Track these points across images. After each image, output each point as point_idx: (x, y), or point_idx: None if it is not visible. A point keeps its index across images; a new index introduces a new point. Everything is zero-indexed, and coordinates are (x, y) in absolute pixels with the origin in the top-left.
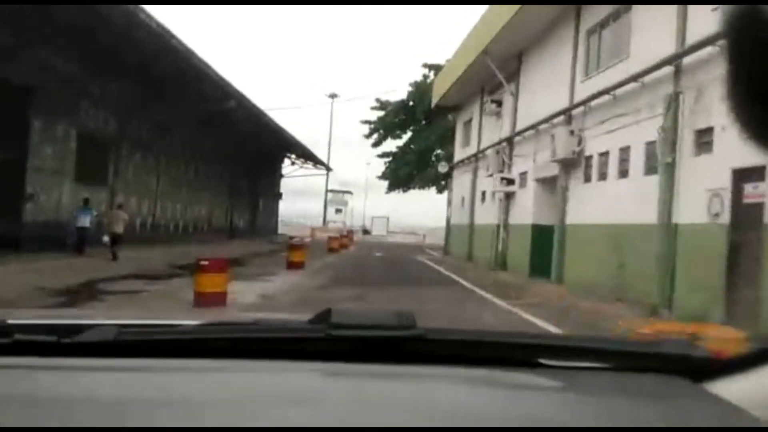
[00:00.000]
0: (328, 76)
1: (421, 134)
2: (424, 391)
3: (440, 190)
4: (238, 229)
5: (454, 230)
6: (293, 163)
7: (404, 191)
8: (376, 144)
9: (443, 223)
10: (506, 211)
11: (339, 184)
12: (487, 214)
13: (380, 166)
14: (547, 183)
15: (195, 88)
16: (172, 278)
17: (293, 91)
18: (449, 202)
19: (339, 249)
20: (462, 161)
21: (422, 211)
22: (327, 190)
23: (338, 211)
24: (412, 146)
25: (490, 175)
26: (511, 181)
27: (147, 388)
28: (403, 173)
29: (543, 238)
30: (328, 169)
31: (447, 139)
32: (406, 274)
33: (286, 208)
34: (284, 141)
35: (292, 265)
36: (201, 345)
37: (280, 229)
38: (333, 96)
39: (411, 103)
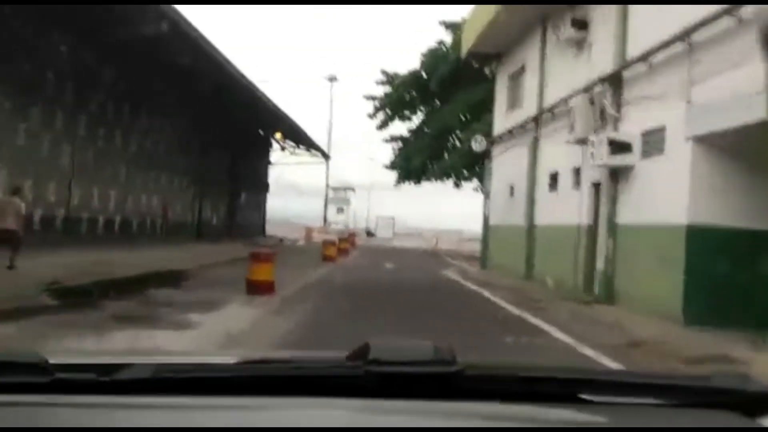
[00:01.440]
0: (328, 60)
1: (437, 113)
2: (464, 428)
3: (458, 183)
4: (211, 226)
5: (495, 233)
6: (283, 149)
7: (416, 183)
8: (381, 126)
9: (455, 226)
10: (612, 201)
11: (340, 184)
12: (564, 208)
13: (387, 153)
14: (737, 138)
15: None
16: None
17: (291, 74)
18: (487, 194)
19: (335, 257)
20: (508, 132)
21: (429, 211)
22: (327, 186)
23: (340, 210)
24: (426, 129)
25: (581, 142)
26: (622, 147)
27: (184, 426)
28: (417, 162)
29: (721, 253)
30: (326, 156)
31: (474, 115)
32: (449, 315)
33: (283, 206)
34: (270, 116)
35: (255, 288)
36: (238, 382)
37: (274, 229)
38: (332, 79)
39: (424, 75)
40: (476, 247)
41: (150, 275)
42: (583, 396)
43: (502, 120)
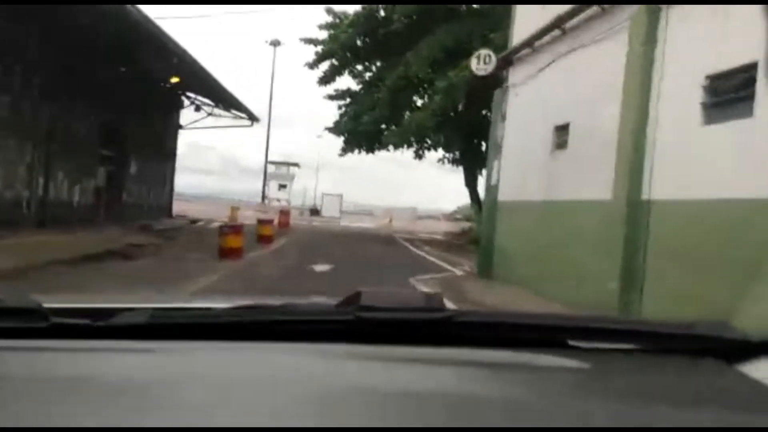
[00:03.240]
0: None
1: (397, 60)
2: (452, 373)
3: (420, 153)
4: (69, 206)
5: (514, 218)
6: (198, 108)
7: (368, 151)
8: (325, 80)
9: (408, 203)
10: None
11: (284, 159)
12: None
13: (331, 113)
14: None
15: None
16: None
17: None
18: (495, 149)
19: (240, 252)
20: (555, 29)
21: (380, 188)
22: (267, 159)
23: (282, 187)
24: (381, 82)
25: None
26: None
27: (178, 370)
28: (369, 122)
29: None
30: (253, 118)
31: (448, 61)
32: None
33: (223, 184)
34: (176, 62)
35: None
36: (232, 328)
37: (197, 209)
38: (275, 44)
39: (382, 13)
40: (434, 227)
41: None
42: (570, 342)
43: (530, 15)
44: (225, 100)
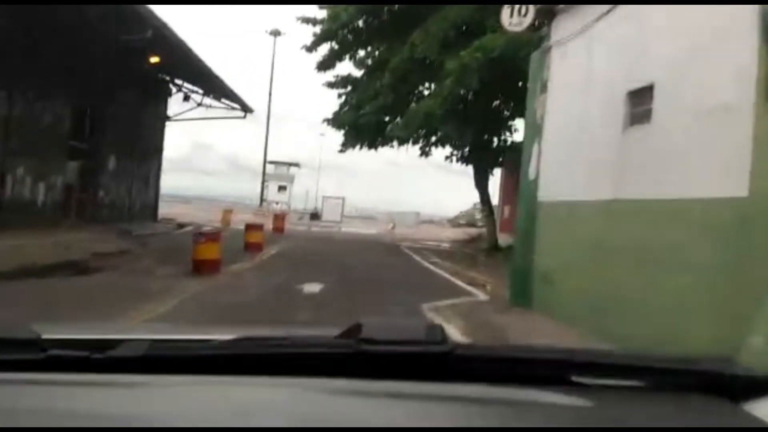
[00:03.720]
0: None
1: (402, 42)
2: (453, 410)
3: (427, 149)
4: (31, 205)
5: (558, 226)
6: (187, 98)
7: (371, 146)
8: (324, 65)
9: (411, 207)
10: None
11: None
12: None
13: (330, 103)
14: None
15: None
16: None
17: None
18: (534, 131)
19: (218, 264)
20: None
21: (383, 192)
22: (266, 160)
23: (282, 188)
24: (385, 65)
25: None
26: None
27: (178, 404)
28: (371, 112)
29: None
30: (246, 109)
31: (460, 41)
32: None
33: (224, 186)
34: (143, 28)
35: None
36: (231, 361)
37: (194, 213)
38: (275, 33)
39: None
40: (439, 234)
41: None
42: (573, 378)
43: None
44: (216, 89)
